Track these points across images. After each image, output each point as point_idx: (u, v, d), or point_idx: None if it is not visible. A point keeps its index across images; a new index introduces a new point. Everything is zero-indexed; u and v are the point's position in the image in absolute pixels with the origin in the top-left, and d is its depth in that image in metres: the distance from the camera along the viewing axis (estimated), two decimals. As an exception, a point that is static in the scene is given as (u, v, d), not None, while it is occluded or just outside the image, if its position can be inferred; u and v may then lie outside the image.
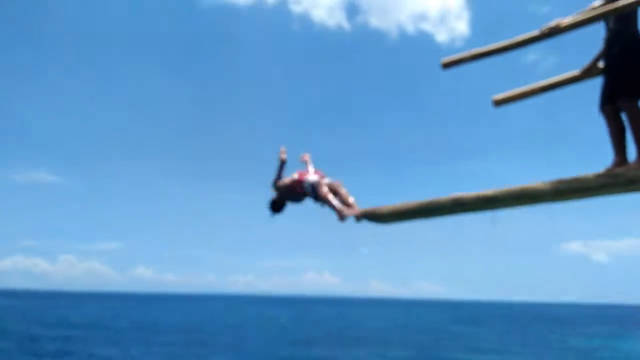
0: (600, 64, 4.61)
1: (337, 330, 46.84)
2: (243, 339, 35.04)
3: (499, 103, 5.02)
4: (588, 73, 4.75)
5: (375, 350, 29.81)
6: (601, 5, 4.19)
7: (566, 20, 4.18)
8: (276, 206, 6.33)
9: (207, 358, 25.04)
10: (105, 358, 24.10)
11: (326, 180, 5.88)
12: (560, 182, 4.00)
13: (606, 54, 4.42)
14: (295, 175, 6.12)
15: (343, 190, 5.68)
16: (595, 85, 4.54)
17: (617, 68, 4.25)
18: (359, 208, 5.18)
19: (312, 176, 5.98)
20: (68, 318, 54.83)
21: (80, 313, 67.04)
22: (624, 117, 4.27)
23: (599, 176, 3.92)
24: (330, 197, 5.58)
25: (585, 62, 4.74)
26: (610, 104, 4.33)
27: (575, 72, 4.82)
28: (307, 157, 6.43)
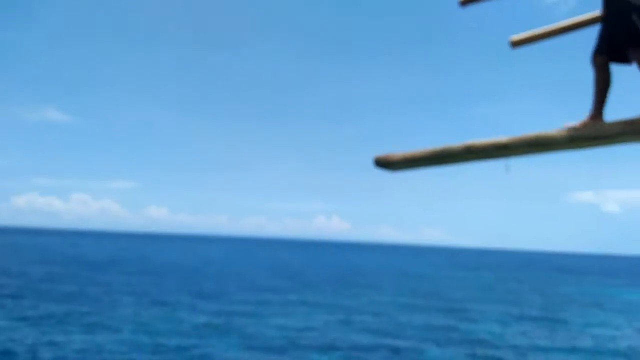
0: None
1: (342, 274, 47.66)
2: (247, 282, 35.79)
3: (516, 44, 4.82)
4: None
5: (376, 295, 30.38)
6: None
7: None
8: None
9: (214, 297, 25.65)
10: (118, 296, 24.75)
11: None
12: (576, 129, 3.91)
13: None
14: None
15: None
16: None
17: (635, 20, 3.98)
18: None
19: None
20: (83, 257, 56.15)
21: (94, 252, 68.57)
22: (612, 71, 4.11)
23: (615, 124, 3.82)
24: None
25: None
26: (604, 55, 4.14)
27: (598, 12, 4.57)
28: None
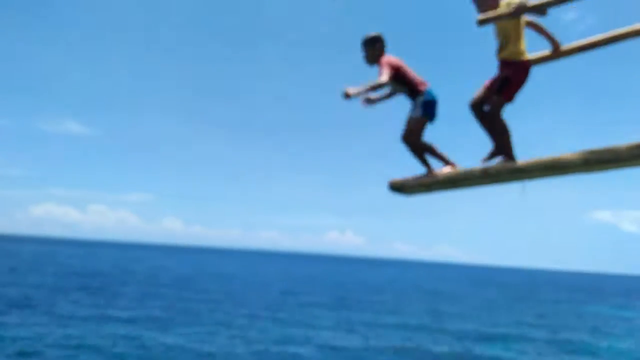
0: None
1: (351, 290, 47.38)
2: (269, 297, 35.76)
3: (532, 63, 4.86)
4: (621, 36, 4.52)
5: (399, 312, 30.15)
6: None
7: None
8: None
9: (220, 310, 25.68)
10: (128, 308, 24.88)
11: None
12: (591, 152, 3.90)
13: None
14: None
15: None
16: (634, 47, 4.32)
17: None
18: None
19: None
20: (98, 267, 56.46)
21: (109, 263, 68.93)
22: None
23: (630, 147, 3.82)
24: None
25: (625, 23, 4.52)
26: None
27: (617, 30, 4.56)
28: None
